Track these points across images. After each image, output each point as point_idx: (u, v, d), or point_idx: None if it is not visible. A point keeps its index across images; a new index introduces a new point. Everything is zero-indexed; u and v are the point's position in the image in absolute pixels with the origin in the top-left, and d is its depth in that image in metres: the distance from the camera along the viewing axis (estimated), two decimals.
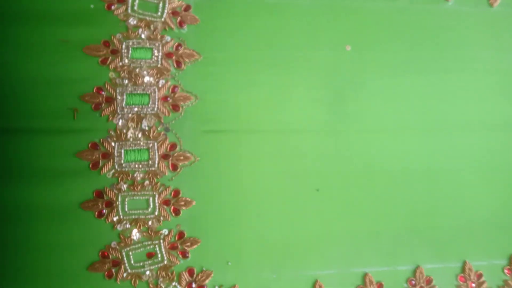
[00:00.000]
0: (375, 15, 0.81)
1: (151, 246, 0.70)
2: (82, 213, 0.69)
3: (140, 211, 0.70)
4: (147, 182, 0.71)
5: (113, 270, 0.68)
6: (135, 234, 0.69)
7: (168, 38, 0.75)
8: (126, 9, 0.74)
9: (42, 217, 0.68)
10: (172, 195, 0.71)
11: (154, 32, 0.74)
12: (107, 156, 0.70)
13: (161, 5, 0.75)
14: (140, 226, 0.70)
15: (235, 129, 0.74)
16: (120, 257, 0.68)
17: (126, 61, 0.73)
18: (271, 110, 0.75)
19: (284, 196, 0.74)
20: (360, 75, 0.79)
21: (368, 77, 0.79)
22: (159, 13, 0.75)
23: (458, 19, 0.82)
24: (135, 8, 0.75)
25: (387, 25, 0.80)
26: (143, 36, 0.74)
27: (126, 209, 0.70)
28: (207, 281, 0.70)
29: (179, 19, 0.76)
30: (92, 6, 0.74)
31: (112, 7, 0.74)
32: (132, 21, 0.74)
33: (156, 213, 0.70)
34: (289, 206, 0.74)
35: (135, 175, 0.71)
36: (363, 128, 0.77)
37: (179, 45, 0.75)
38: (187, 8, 0.76)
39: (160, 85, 0.73)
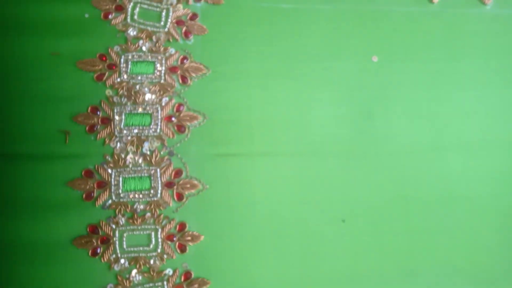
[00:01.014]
0: (404, 22, 0.72)
1: None
2: (74, 251, 0.60)
3: (141, 248, 0.61)
4: (148, 214, 0.62)
5: None
6: (135, 275, 0.60)
7: (172, 50, 0.66)
8: (125, 18, 0.66)
9: (28, 255, 0.60)
10: (177, 229, 0.62)
11: (157, 44, 0.66)
12: (103, 185, 0.62)
13: (164, 13, 0.67)
14: (140, 266, 0.61)
15: (248, 152, 0.65)
16: None
17: (125, 76, 0.65)
18: (289, 130, 0.66)
19: (305, 228, 0.65)
20: (389, 89, 0.69)
21: (398, 91, 0.70)
22: (162, 23, 0.67)
23: (499, 24, 0.73)
24: (135, 17, 0.66)
25: (418, 33, 0.71)
26: (144, 48, 0.66)
27: (125, 246, 0.61)
28: None
29: (184, 29, 0.67)
30: (86, 15, 0.66)
31: (109, 16, 0.66)
32: (132, 32, 0.66)
33: (159, 250, 0.61)
34: (311, 241, 0.64)
35: (134, 206, 0.62)
36: (394, 149, 0.68)
37: (185, 58, 0.66)
38: (194, 16, 0.68)
39: (163, 104, 0.65)
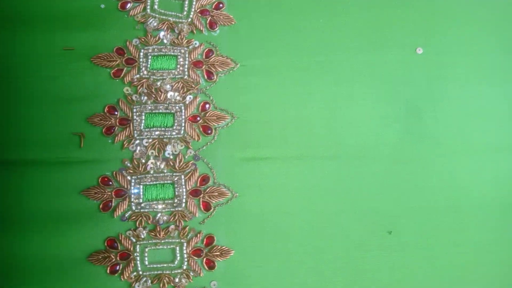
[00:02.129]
0: (452, 9, 0.64)
1: None
2: (90, 268, 0.54)
3: (165, 265, 0.55)
4: (172, 226, 0.55)
5: None
6: None
7: (196, 43, 0.60)
8: (144, 8, 0.60)
9: (39, 272, 0.55)
10: (204, 243, 0.56)
11: (179, 36, 0.59)
12: (122, 193, 0.55)
13: (187, 2, 0.61)
14: (164, 285, 0.54)
15: (282, 155, 0.58)
16: None
17: (145, 72, 0.58)
18: (326, 130, 0.60)
19: (347, 240, 0.58)
20: (437, 84, 0.62)
21: (447, 86, 0.62)
22: (185, 13, 0.60)
23: None
24: (155, 7, 0.60)
25: (468, 20, 0.64)
26: (165, 41, 0.59)
27: (147, 263, 0.54)
28: None
29: (209, 19, 0.61)
30: (102, 6, 0.60)
31: (127, 7, 0.60)
32: (152, 23, 0.59)
33: (185, 267, 0.55)
34: (354, 254, 0.57)
35: (157, 217, 0.55)
36: (445, 150, 0.61)
37: (210, 51, 0.60)
38: (219, 5, 0.61)
39: (187, 102, 0.58)
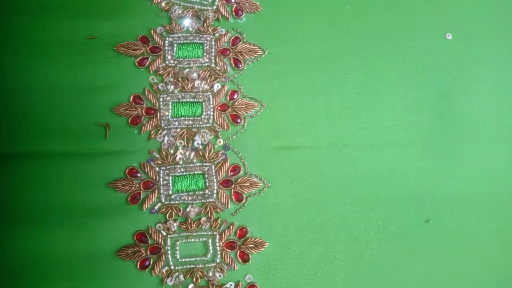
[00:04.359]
0: None
1: None
2: (119, 264, 0.52)
3: (197, 259, 0.52)
4: (204, 218, 0.53)
5: None
6: None
7: (222, 30, 0.58)
8: None
9: (66, 268, 0.51)
10: (237, 235, 0.53)
11: (205, 24, 0.58)
12: (150, 185, 0.53)
13: None
14: (197, 279, 0.52)
15: (313, 144, 0.57)
16: None
17: (171, 61, 0.56)
18: (358, 118, 0.58)
19: (383, 230, 0.56)
20: (467, 70, 0.61)
21: (479, 71, 0.61)
22: (210, 0, 0.59)
23: None
24: None
25: (496, 2, 0.63)
26: (190, 29, 0.58)
27: (178, 257, 0.52)
28: None
29: (234, 6, 0.59)
30: None
31: None
32: (177, 11, 0.58)
33: (218, 261, 0.52)
34: (391, 244, 0.56)
35: (188, 209, 0.53)
36: (480, 137, 0.59)
37: (237, 38, 0.58)
38: None
39: (215, 91, 0.56)
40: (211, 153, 0.55)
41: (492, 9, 0.62)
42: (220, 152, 0.55)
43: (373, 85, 0.59)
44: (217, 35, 0.58)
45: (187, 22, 0.57)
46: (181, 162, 0.54)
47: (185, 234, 0.53)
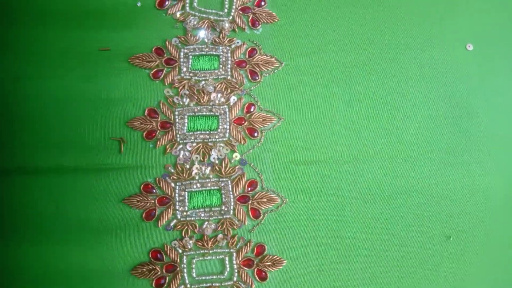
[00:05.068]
0: (501, 2, 0.61)
1: None
2: (134, 282, 0.51)
3: (214, 277, 0.51)
4: (220, 235, 0.52)
5: None
6: None
7: (238, 41, 0.57)
8: (184, 6, 0.57)
9: (80, 286, 0.50)
10: (254, 252, 0.52)
11: (221, 35, 0.56)
12: (166, 201, 0.52)
13: (227, 0, 0.58)
14: None
15: (332, 159, 0.55)
16: None
17: (186, 73, 0.55)
18: (377, 131, 0.57)
19: (406, 247, 0.54)
20: (489, 82, 0.59)
21: (500, 82, 0.60)
22: (226, 10, 0.58)
23: None
24: (195, 4, 0.57)
25: None
26: (206, 40, 0.56)
27: (194, 275, 0.51)
28: None
29: (251, 17, 0.58)
30: (139, 4, 0.56)
31: (165, 4, 0.57)
32: (192, 22, 0.56)
33: (235, 279, 0.51)
34: (413, 262, 0.54)
35: (204, 226, 0.52)
36: (502, 150, 0.58)
37: (253, 50, 0.57)
38: (261, 2, 0.58)
39: (231, 104, 0.55)
40: (227, 168, 0.53)
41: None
42: (237, 167, 0.54)
43: (392, 97, 0.57)
44: (233, 46, 0.57)
45: (202, 33, 0.56)
46: (197, 177, 0.53)
47: (201, 251, 0.52)
